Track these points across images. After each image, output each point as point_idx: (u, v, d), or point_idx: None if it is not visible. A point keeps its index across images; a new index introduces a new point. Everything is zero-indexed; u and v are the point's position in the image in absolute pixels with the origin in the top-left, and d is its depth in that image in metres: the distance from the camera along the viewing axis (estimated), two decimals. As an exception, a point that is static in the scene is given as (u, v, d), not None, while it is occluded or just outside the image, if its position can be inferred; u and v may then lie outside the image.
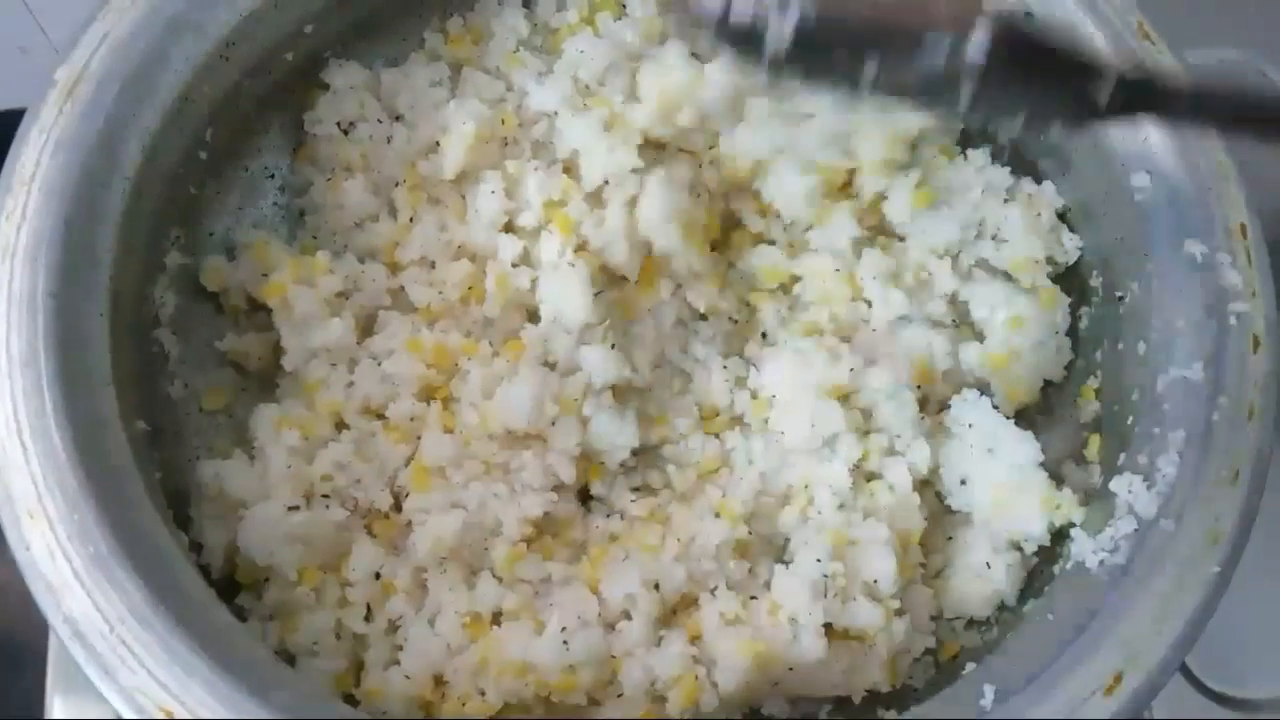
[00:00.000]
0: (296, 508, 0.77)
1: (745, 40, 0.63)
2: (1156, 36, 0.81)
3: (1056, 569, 0.76)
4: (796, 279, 0.88)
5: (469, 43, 0.92)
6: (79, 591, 0.64)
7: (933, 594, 0.81)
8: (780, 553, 0.82)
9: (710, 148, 0.88)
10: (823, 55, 0.64)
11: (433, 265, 0.85)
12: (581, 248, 0.84)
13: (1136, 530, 0.70)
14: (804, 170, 0.85)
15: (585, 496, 0.84)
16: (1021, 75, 0.64)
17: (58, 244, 0.70)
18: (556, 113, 0.87)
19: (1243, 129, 0.71)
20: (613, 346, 0.83)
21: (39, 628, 0.82)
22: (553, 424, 0.81)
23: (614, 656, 0.76)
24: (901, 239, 0.89)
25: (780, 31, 0.62)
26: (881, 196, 0.87)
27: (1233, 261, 0.75)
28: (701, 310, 0.87)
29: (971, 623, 0.82)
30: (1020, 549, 0.81)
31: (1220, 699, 0.95)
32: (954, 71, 0.62)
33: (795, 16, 0.62)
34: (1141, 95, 0.65)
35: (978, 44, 0.61)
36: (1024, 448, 0.81)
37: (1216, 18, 1.15)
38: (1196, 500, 0.69)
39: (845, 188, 0.88)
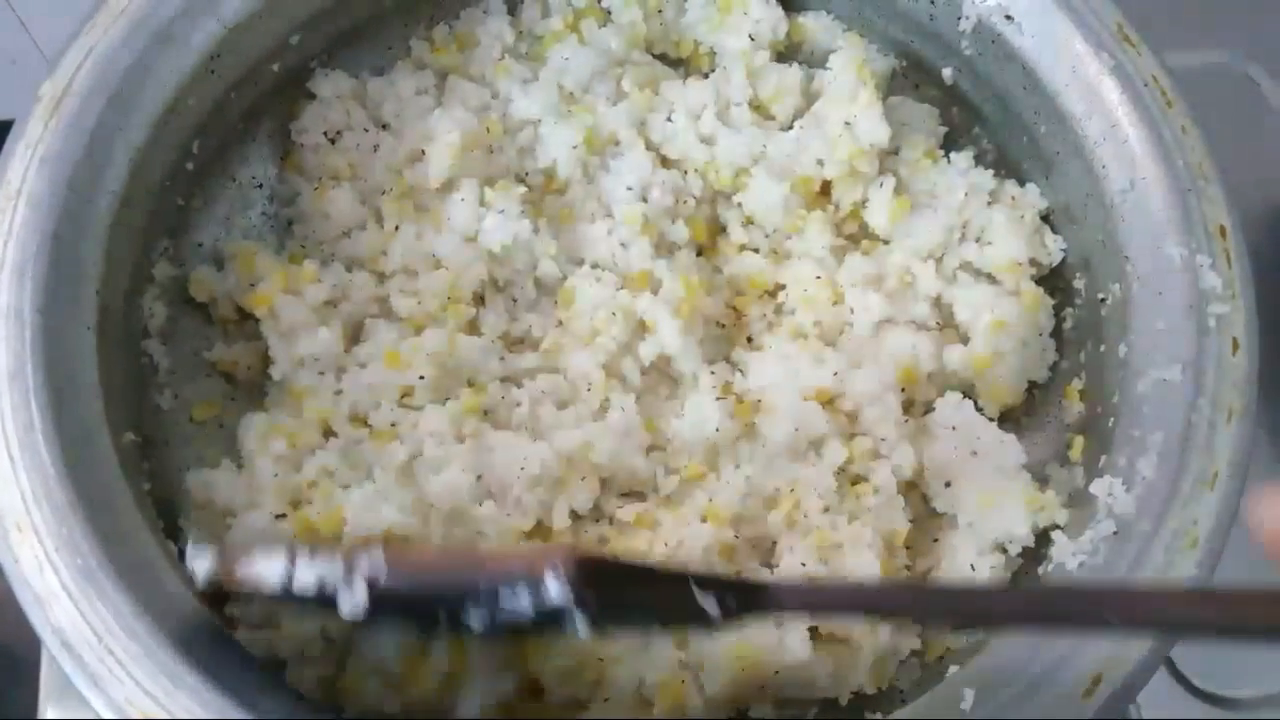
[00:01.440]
0: (284, 516, 0.77)
1: (319, 603, 0.63)
2: (1137, 39, 0.81)
3: (1040, 571, 0.76)
4: (781, 286, 0.89)
5: (454, 51, 0.93)
6: (67, 603, 0.64)
7: (918, 596, 0.82)
8: (767, 556, 0.83)
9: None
10: (411, 610, 0.65)
11: (416, 274, 0.86)
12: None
13: (1116, 533, 0.70)
14: (780, 179, 0.86)
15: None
16: (622, 595, 0.63)
17: (44, 258, 0.71)
18: (540, 120, 0.88)
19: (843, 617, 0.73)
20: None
21: (34, 635, 0.83)
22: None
23: (600, 660, 0.77)
24: (886, 242, 0.89)
25: (353, 601, 0.62)
26: (860, 204, 0.88)
27: (1212, 264, 0.75)
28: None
29: (957, 624, 0.82)
30: (1004, 551, 0.81)
31: (1208, 698, 0.95)
32: (553, 609, 0.61)
33: (363, 590, 0.62)
34: (747, 599, 0.63)
35: (552, 588, 0.61)
36: (1007, 449, 0.82)
37: (1200, 21, 1.16)
38: (1175, 502, 0.70)
39: (824, 196, 0.89)
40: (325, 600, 0.63)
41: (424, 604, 0.64)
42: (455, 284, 0.85)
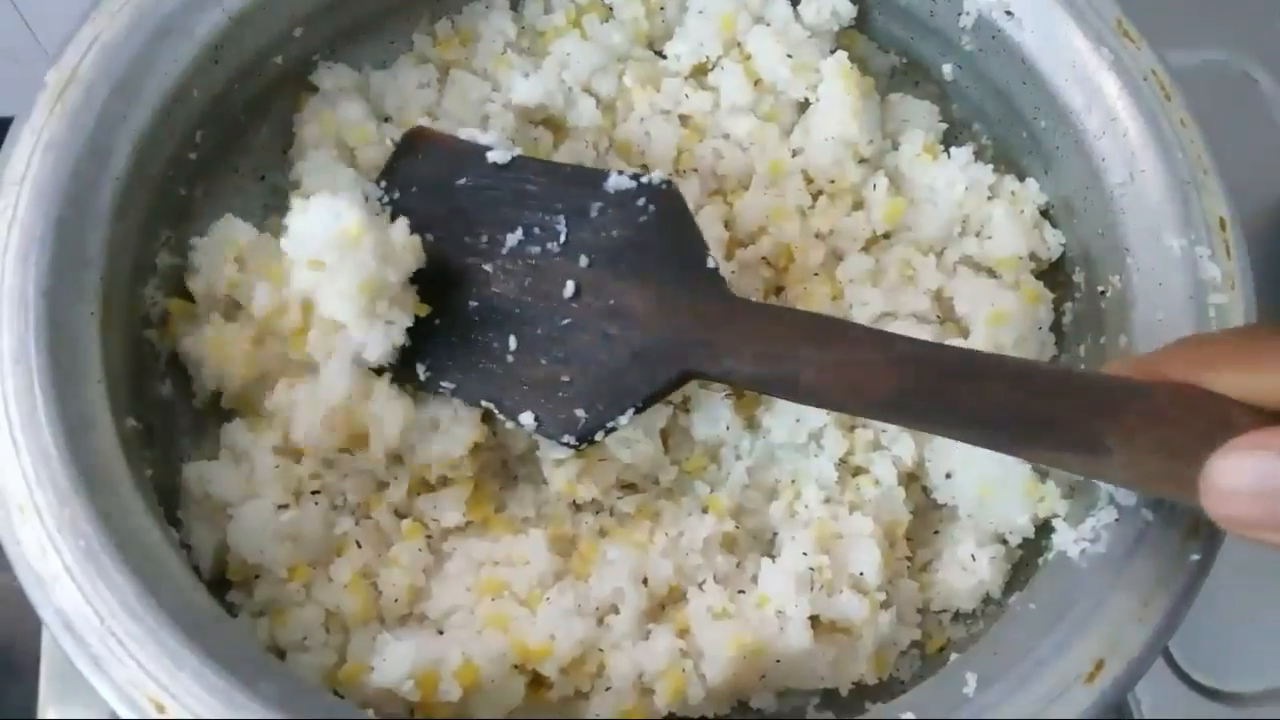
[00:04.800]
0: (286, 506, 0.77)
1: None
2: (1136, 34, 0.82)
3: (1040, 560, 0.77)
4: (781, 288, 0.89)
5: (457, 45, 0.93)
6: (69, 585, 0.64)
7: (919, 587, 0.82)
8: (768, 547, 0.83)
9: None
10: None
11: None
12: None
13: (1117, 520, 0.70)
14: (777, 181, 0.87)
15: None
16: None
17: (48, 243, 0.71)
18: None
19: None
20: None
21: (33, 634, 0.83)
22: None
23: (601, 650, 0.77)
24: (886, 236, 0.90)
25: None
26: (855, 207, 0.89)
27: (1211, 255, 0.75)
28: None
29: (958, 616, 0.82)
30: (1005, 542, 0.81)
31: (1208, 693, 0.96)
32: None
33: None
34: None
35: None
36: (1007, 440, 0.82)
37: (1200, 19, 1.16)
38: (1176, 489, 0.70)
39: (819, 197, 0.90)
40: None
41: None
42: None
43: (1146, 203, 0.78)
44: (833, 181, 0.89)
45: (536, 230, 0.77)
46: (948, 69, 0.91)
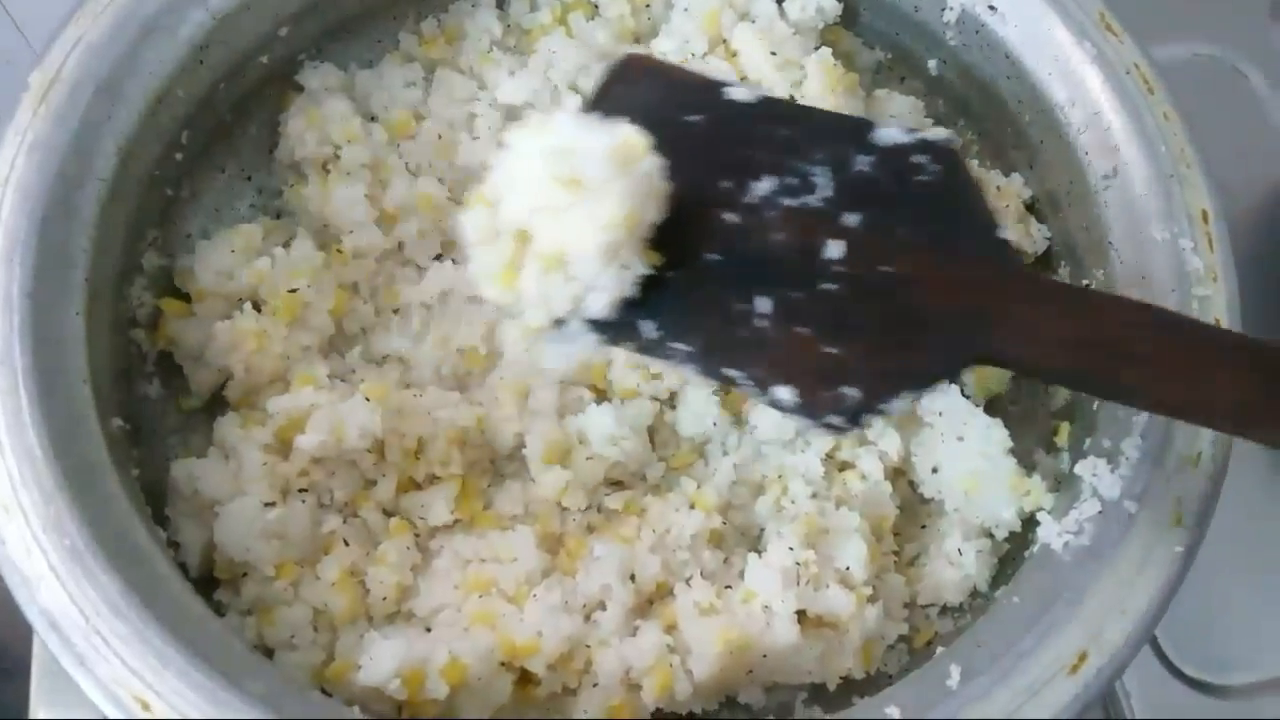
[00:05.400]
0: (273, 504, 0.77)
1: None
2: (1119, 28, 0.82)
3: (1026, 554, 0.77)
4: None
5: (443, 44, 0.93)
6: (54, 584, 0.65)
7: (905, 581, 0.82)
8: (755, 542, 0.83)
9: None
10: None
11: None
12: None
13: (1100, 512, 0.70)
14: None
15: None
16: None
17: (33, 244, 0.71)
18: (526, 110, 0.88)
19: None
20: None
21: (25, 634, 0.83)
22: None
23: (589, 646, 0.77)
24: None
25: None
26: None
27: (1194, 247, 0.76)
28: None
29: (945, 609, 0.82)
30: (991, 535, 0.81)
31: (1198, 686, 0.95)
32: None
33: None
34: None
35: None
36: (993, 434, 0.82)
37: (1191, 13, 1.16)
38: (1159, 482, 0.70)
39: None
40: None
41: None
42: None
43: (1129, 196, 0.78)
44: None
45: (790, 180, 0.68)
46: (932, 64, 0.92)
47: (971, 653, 0.68)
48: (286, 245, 0.86)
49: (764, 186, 0.67)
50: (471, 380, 0.86)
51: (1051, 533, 0.72)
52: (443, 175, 0.90)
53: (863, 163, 0.67)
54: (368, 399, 0.79)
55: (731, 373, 0.65)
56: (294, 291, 0.83)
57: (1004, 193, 0.88)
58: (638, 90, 0.72)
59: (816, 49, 0.91)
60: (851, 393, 0.64)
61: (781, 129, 0.69)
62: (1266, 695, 0.95)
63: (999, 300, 0.63)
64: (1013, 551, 0.81)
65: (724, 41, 0.93)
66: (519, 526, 0.81)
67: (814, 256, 0.66)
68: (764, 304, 0.66)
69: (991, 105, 0.88)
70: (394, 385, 0.83)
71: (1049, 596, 0.69)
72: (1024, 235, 0.87)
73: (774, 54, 0.89)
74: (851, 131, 0.68)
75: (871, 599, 0.79)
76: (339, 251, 0.86)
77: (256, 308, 0.83)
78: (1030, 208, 0.88)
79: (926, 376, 0.64)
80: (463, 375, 0.86)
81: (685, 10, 0.93)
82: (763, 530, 0.83)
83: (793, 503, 0.82)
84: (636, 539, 0.80)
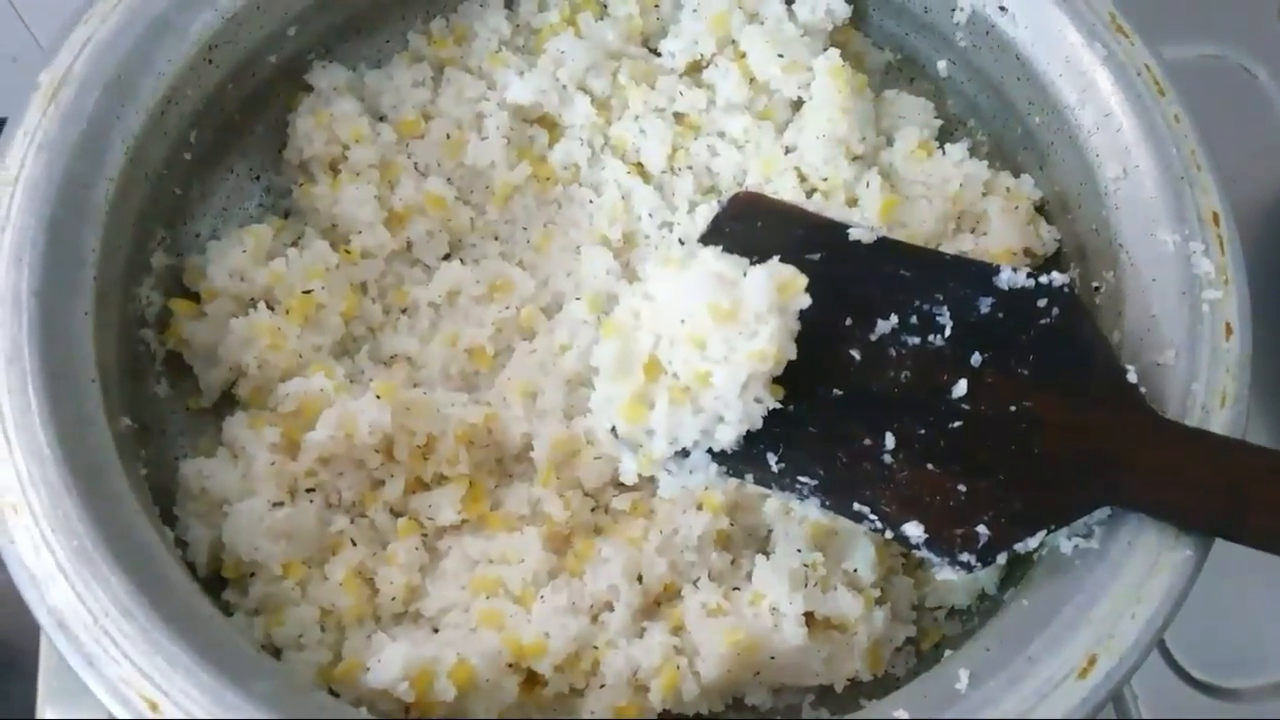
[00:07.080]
0: (281, 504, 0.77)
1: None
2: (1129, 29, 0.82)
3: (1035, 557, 0.76)
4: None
5: (452, 44, 0.93)
6: (63, 584, 0.64)
7: (914, 584, 0.82)
8: (763, 544, 0.83)
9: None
10: None
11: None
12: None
13: (1110, 517, 0.70)
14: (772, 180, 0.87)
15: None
16: None
17: (42, 243, 0.71)
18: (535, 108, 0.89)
19: None
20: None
21: (33, 633, 0.83)
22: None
23: (596, 647, 0.77)
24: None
25: None
26: (850, 204, 0.89)
27: (1205, 250, 0.75)
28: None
29: (953, 612, 0.82)
30: (999, 538, 0.81)
31: (1206, 689, 0.95)
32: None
33: None
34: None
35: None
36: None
37: (1199, 14, 1.16)
38: (1169, 485, 0.70)
39: (812, 195, 0.90)
40: None
41: None
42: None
43: (1140, 198, 0.78)
44: (825, 179, 0.89)
45: (913, 320, 0.70)
46: (942, 65, 0.91)
47: (980, 656, 0.68)
48: (295, 245, 0.86)
49: (887, 325, 0.69)
50: (479, 380, 0.86)
51: (1060, 535, 0.72)
52: (451, 175, 0.90)
53: (986, 304, 0.70)
54: (379, 396, 0.79)
55: (861, 508, 0.68)
56: (308, 293, 0.83)
57: (1013, 194, 0.88)
58: (754, 227, 0.74)
59: (825, 50, 0.91)
60: (983, 531, 0.66)
61: (903, 269, 0.71)
62: (1274, 698, 0.95)
63: (1127, 443, 0.66)
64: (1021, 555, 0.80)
65: (733, 42, 0.93)
66: (526, 528, 0.81)
67: (940, 395, 0.68)
68: (889, 439, 0.68)
69: (1001, 106, 0.88)
70: (402, 385, 0.83)
71: (1058, 600, 0.68)
72: (1033, 237, 0.87)
73: (781, 55, 0.89)
74: (976, 274, 0.71)
75: (879, 601, 0.79)
76: (347, 251, 0.86)
77: (269, 307, 0.83)
78: (1040, 209, 0.88)
79: (1057, 520, 0.67)
80: (470, 375, 0.86)
81: (694, 11, 0.93)
82: (770, 532, 0.83)
83: (800, 504, 0.82)
84: (644, 540, 0.80)
